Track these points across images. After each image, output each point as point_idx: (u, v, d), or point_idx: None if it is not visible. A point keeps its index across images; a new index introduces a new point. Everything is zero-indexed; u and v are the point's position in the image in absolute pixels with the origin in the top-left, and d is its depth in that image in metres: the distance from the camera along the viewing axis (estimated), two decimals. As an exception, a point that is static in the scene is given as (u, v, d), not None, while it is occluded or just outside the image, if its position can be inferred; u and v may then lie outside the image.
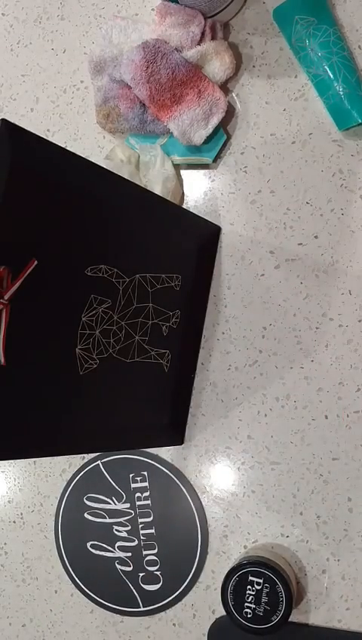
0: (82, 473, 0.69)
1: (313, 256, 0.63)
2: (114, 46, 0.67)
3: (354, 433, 0.60)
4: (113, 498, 0.68)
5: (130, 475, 0.67)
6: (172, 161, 0.67)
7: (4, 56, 0.77)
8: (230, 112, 0.66)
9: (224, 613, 0.58)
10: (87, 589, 0.69)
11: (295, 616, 0.61)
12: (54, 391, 0.49)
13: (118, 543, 0.67)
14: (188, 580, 0.65)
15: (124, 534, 0.67)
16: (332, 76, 0.60)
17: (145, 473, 0.67)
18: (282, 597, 0.55)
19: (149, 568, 0.66)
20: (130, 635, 0.67)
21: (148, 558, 0.66)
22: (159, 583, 0.66)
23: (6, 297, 0.42)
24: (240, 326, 0.65)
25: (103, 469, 0.68)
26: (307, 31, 0.60)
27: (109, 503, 0.68)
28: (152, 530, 0.66)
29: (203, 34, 0.64)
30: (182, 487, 0.65)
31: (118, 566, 0.67)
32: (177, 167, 0.68)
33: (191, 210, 0.67)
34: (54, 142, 0.66)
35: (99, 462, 0.69)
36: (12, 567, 0.72)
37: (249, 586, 0.56)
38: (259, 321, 0.64)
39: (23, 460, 0.73)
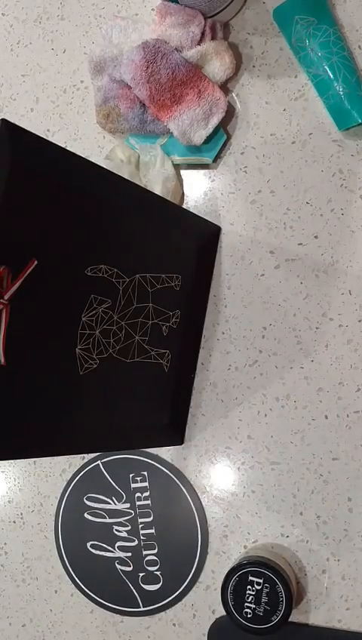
0: (82, 473, 0.69)
1: (313, 256, 0.63)
2: (114, 46, 0.67)
3: (354, 433, 0.60)
4: (113, 498, 0.68)
5: (130, 475, 0.67)
6: (172, 161, 0.67)
7: (4, 56, 0.77)
8: (230, 112, 0.66)
9: (224, 613, 0.58)
10: (87, 589, 0.69)
11: (295, 616, 0.61)
12: (54, 391, 0.49)
13: (118, 543, 0.67)
14: (188, 580, 0.65)
15: (124, 534, 0.67)
16: (332, 76, 0.60)
17: (145, 473, 0.67)
18: (282, 597, 0.55)
19: (149, 568, 0.66)
20: (130, 635, 0.67)
21: (148, 558, 0.66)
22: (159, 583, 0.66)
23: (6, 297, 0.42)
24: (240, 326, 0.65)
25: (103, 469, 0.68)
26: (307, 31, 0.60)
27: (109, 503, 0.68)
28: (152, 530, 0.66)
29: (203, 34, 0.64)
30: (182, 487, 0.65)
31: (118, 566, 0.67)
32: (177, 167, 0.68)
33: (191, 210, 0.67)
34: (54, 142, 0.66)
35: (99, 462, 0.69)
36: (12, 567, 0.72)
37: (249, 586, 0.56)
38: (259, 321, 0.64)
39: (23, 460, 0.73)
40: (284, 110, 0.65)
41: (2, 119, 0.41)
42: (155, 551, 0.66)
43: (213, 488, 0.65)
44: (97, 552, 0.68)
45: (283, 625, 0.55)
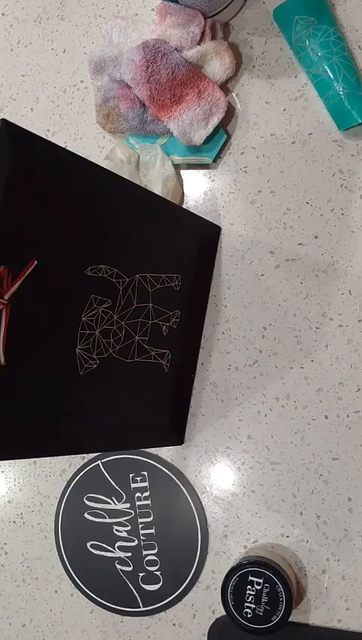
0: (82, 473, 0.69)
1: (313, 256, 0.63)
2: (114, 46, 0.67)
3: (354, 433, 0.60)
4: (113, 498, 0.68)
5: (130, 475, 0.67)
6: (172, 161, 0.67)
7: (4, 56, 0.77)
8: (230, 112, 0.66)
9: (224, 613, 0.58)
10: (87, 589, 0.69)
11: (295, 616, 0.61)
12: (54, 391, 0.49)
13: (118, 543, 0.67)
14: (188, 580, 0.65)
15: (124, 534, 0.67)
16: (332, 76, 0.60)
17: (145, 473, 0.67)
18: (282, 597, 0.55)
19: (149, 568, 0.66)
20: (130, 635, 0.67)
21: (148, 558, 0.66)
22: (159, 583, 0.66)
23: (6, 297, 0.42)
24: (240, 326, 0.65)
25: (103, 469, 0.68)
26: (307, 31, 0.60)
27: (109, 503, 0.68)
28: (152, 530, 0.66)
29: (203, 34, 0.64)
30: (182, 487, 0.65)
31: (118, 566, 0.67)
32: (177, 167, 0.68)
33: (191, 210, 0.67)
34: (54, 142, 0.66)
35: (99, 462, 0.69)
36: (12, 567, 0.72)
37: (249, 586, 0.56)
38: (259, 321, 0.64)
39: (23, 460, 0.73)
40: (284, 110, 0.65)
41: (2, 119, 0.41)
42: (155, 551, 0.66)
43: (213, 488, 0.65)
44: (97, 552, 0.68)
45: (283, 625, 0.55)
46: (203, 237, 0.65)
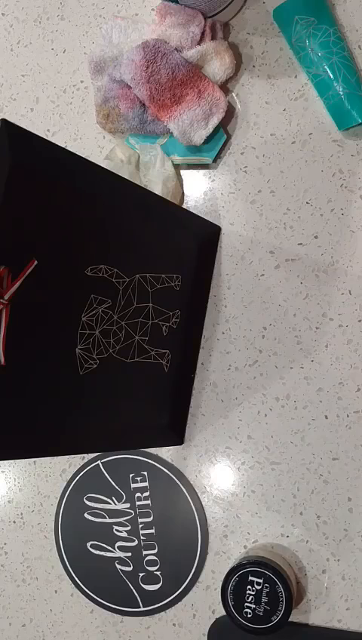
0: (82, 473, 0.69)
1: (313, 256, 0.63)
2: (114, 46, 0.67)
3: (354, 433, 0.60)
4: (113, 498, 0.68)
5: (130, 475, 0.67)
6: (172, 161, 0.67)
7: (4, 56, 0.77)
8: (230, 112, 0.66)
9: (224, 613, 0.58)
10: (87, 589, 0.69)
11: (295, 616, 0.61)
12: (54, 391, 0.49)
13: (118, 543, 0.67)
14: (188, 580, 0.65)
15: (124, 534, 0.67)
16: (332, 76, 0.60)
17: (145, 473, 0.67)
18: (282, 597, 0.55)
19: (149, 568, 0.66)
20: (130, 635, 0.67)
21: (148, 558, 0.66)
22: (159, 583, 0.66)
23: (6, 297, 0.42)
24: (240, 326, 0.65)
25: (103, 469, 0.68)
26: (307, 31, 0.60)
27: (109, 503, 0.68)
28: (152, 530, 0.66)
29: (203, 34, 0.64)
30: (182, 487, 0.65)
31: (118, 566, 0.67)
32: (177, 167, 0.68)
33: (191, 210, 0.67)
34: (54, 142, 0.66)
35: (99, 462, 0.69)
36: (12, 567, 0.72)
37: (249, 586, 0.56)
38: (259, 321, 0.64)
39: (23, 459, 0.73)
40: (284, 110, 0.65)
41: (2, 119, 0.41)
42: (155, 551, 0.66)
43: (213, 488, 0.65)
44: (97, 552, 0.68)
45: (283, 625, 0.55)
46: (203, 237, 0.65)
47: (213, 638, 0.63)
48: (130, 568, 0.67)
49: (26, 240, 0.44)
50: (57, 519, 0.70)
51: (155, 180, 0.66)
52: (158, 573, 0.66)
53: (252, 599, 0.56)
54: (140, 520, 0.67)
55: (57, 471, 0.71)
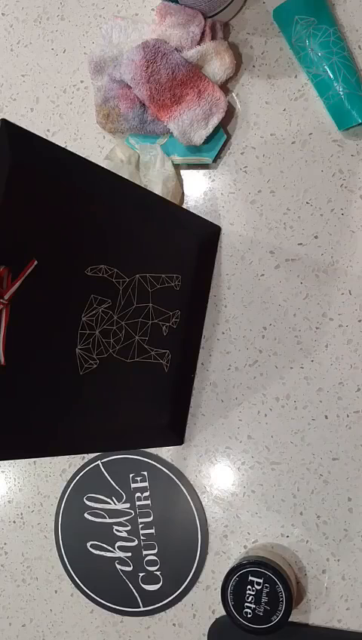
0: (82, 473, 0.69)
1: (313, 256, 0.63)
2: (114, 46, 0.67)
3: (354, 433, 0.60)
4: (113, 498, 0.68)
5: (130, 475, 0.67)
6: (172, 161, 0.67)
7: (4, 56, 0.77)
8: (230, 112, 0.66)
9: (224, 613, 0.58)
10: (87, 589, 0.69)
11: (295, 616, 0.61)
12: (54, 391, 0.49)
13: (118, 543, 0.67)
14: (188, 580, 0.65)
15: (124, 534, 0.67)
16: (332, 76, 0.60)
17: (145, 473, 0.67)
18: (282, 597, 0.55)
19: (149, 568, 0.66)
20: (130, 635, 0.67)
21: (148, 558, 0.66)
22: (159, 583, 0.66)
23: (6, 297, 0.42)
24: (240, 326, 0.65)
25: (103, 469, 0.68)
26: (307, 31, 0.60)
27: (109, 503, 0.68)
28: (152, 530, 0.66)
29: (203, 34, 0.64)
30: (182, 487, 0.65)
31: (118, 566, 0.67)
32: (177, 167, 0.68)
33: (191, 210, 0.67)
34: (54, 142, 0.66)
35: (99, 462, 0.69)
36: (12, 567, 0.72)
37: (249, 586, 0.56)
38: (259, 321, 0.64)
39: (23, 460, 0.73)
40: (284, 110, 0.65)
41: (2, 119, 0.41)
42: (155, 551, 0.66)
43: (213, 488, 0.65)
44: (97, 552, 0.68)
45: (283, 625, 0.55)
46: (203, 237, 0.65)
47: (213, 638, 0.63)
48: (130, 568, 0.67)
49: (26, 240, 0.44)
50: (57, 519, 0.70)
51: (155, 180, 0.66)
52: (158, 573, 0.66)
53: (252, 599, 0.56)
54: (140, 520, 0.67)
55: (57, 471, 0.71)
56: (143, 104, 0.65)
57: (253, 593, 0.56)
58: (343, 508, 0.60)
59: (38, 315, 0.46)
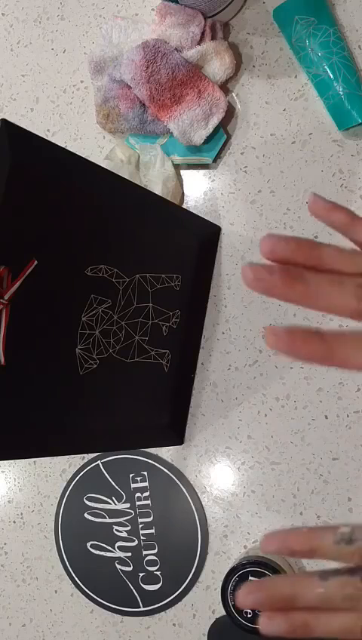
0: (82, 473, 0.69)
1: (313, 256, 0.63)
2: (114, 46, 0.67)
3: (354, 433, 0.60)
4: (113, 498, 0.68)
5: (130, 475, 0.67)
6: (172, 161, 0.67)
7: (4, 56, 0.77)
8: (230, 112, 0.66)
9: (224, 613, 0.58)
10: (87, 589, 0.69)
11: (295, 616, 0.61)
12: (54, 391, 0.49)
13: (118, 543, 0.67)
14: (188, 580, 0.65)
15: (124, 534, 0.67)
16: (332, 76, 0.60)
17: (145, 473, 0.67)
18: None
19: (149, 568, 0.66)
20: (130, 635, 0.67)
21: (148, 558, 0.66)
22: (159, 583, 0.66)
23: (6, 297, 0.42)
24: (240, 326, 0.65)
25: (103, 469, 0.68)
26: (307, 31, 0.60)
27: (109, 503, 0.68)
28: (152, 530, 0.66)
29: (203, 34, 0.64)
30: (182, 487, 0.65)
31: (118, 566, 0.67)
32: (177, 167, 0.68)
33: (191, 210, 0.67)
34: (54, 142, 0.66)
35: (99, 462, 0.69)
36: (12, 567, 0.72)
37: (249, 586, 0.56)
38: (259, 321, 0.64)
39: (23, 459, 0.73)
40: (284, 110, 0.65)
41: (2, 119, 0.41)
42: (155, 551, 0.66)
43: (213, 488, 0.65)
44: (97, 552, 0.68)
45: (283, 625, 0.55)
46: (203, 237, 0.65)
47: (213, 638, 0.63)
48: (130, 568, 0.67)
49: (26, 240, 0.44)
50: (57, 519, 0.70)
51: (155, 180, 0.66)
52: (158, 573, 0.66)
53: (252, 599, 0.56)
54: (140, 520, 0.67)
55: (57, 471, 0.71)
56: (143, 104, 0.65)
57: (253, 593, 0.56)
58: (343, 508, 0.60)
59: (38, 315, 0.46)
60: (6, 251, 0.42)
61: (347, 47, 0.61)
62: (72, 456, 0.70)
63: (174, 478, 0.66)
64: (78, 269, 0.50)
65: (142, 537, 0.67)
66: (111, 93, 0.67)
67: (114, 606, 0.67)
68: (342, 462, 0.60)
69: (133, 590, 0.67)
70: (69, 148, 0.71)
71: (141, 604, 0.66)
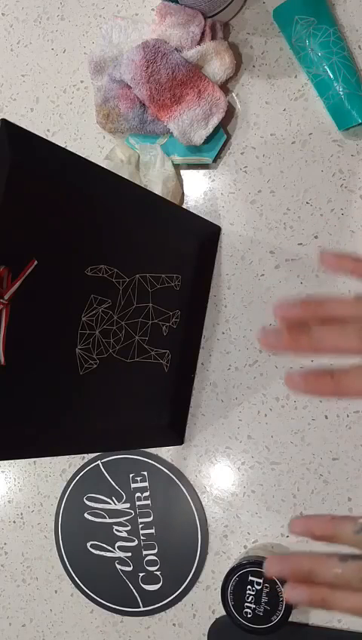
0: (82, 473, 0.69)
1: (313, 256, 0.63)
2: (114, 46, 0.67)
3: (354, 433, 0.60)
4: (113, 498, 0.68)
5: (130, 475, 0.67)
6: (172, 161, 0.67)
7: (4, 56, 0.77)
8: (230, 112, 0.66)
9: (224, 613, 0.58)
10: (87, 589, 0.69)
11: (295, 616, 0.61)
12: (54, 391, 0.49)
13: (118, 543, 0.67)
14: (188, 580, 0.65)
15: (124, 534, 0.67)
16: (332, 76, 0.60)
17: (145, 473, 0.67)
18: (282, 597, 0.55)
19: (149, 568, 0.66)
20: (130, 635, 0.67)
21: (148, 558, 0.66)
22: (159, 583, 0.66)
23: (6, 297, 0.42)
24: (240, 326, 0.65)
25: (103, 469, 0.68)
26: (307, 31, 0.60)
27: (109, 503, 0.68)
28: (152, 530, 0.66)
29: (203, 34, 0.64)
30: (182, 487, 0.65)
31: (118, 566, 0.67)
32: (177, 167, 0.68)
33: (191, 210, 0.67)
34: (54, 142, 0.66)
35: (99, 462, 0.69)
36: (12, 567, 0.72)
37: (249, 586, 0.56)
38: (259, 321, 0.64)
39: (23, 460, 0.73)
40: (284, 110, 0.65)
41: (2, 119, 0.41)
42: (155, 551, 0.66)
43: (213, 488, 0.65)
44: (97, 552, 0.68)
45: (283, 625, 0.55)
46: (203, 237, 0.65)
47: (213, 638, 0.63)
48: (130, 568, 0.67)
49: (26, 240, 0.44)
50: (57, 519, 0.70)
51: (155, 180, 0.66)
52: (158, 573, 0.66)
53: (252, 599, 0.56)
54: (140, 520, 0.67)
55: (57, 471, 0.71)
56: (143, 104, 0.65)
57: (253, 593, 0.56)
58: (343, 508, 0.60)
59: (38, 315, 0.46)
60: (6, 251, 0.42)
61: (347, 47, 0.61)
62: (72, 456, 0.70)
63: (174, 478, 0.66)
64: (78, 269, 0.50)
65: (142, 537, 0.67)
66: (111, 93, 0.67)
67: (114, 606, 0.67)
68: (342, 462, 0.60)
69: (133, 590, 0.67)
70: (69, 148, 0.71)
71: (141, 604, 0.66)
